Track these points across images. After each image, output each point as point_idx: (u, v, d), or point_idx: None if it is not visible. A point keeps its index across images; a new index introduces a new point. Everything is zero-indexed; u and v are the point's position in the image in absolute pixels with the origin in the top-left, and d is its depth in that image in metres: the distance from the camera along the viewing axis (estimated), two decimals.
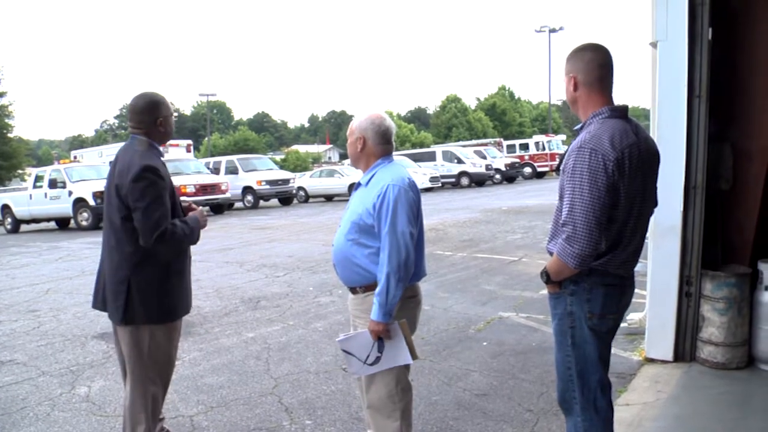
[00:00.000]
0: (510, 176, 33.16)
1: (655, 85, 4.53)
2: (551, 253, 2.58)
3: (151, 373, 3.12)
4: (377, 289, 2.76)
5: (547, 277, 2.54)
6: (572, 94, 2.55)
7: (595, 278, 2.47)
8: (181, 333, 3.33)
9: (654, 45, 4.51)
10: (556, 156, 34.96)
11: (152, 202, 2.92)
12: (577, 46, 2.56)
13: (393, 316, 2.78)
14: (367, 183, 2.91)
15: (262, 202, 25.26)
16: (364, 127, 2.92)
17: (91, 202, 17.59)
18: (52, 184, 19.03)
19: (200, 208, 3.33)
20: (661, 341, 4.59)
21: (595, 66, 2.48)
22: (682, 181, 4.38)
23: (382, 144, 2.94)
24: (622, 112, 2.47)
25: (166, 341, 3.14)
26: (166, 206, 2.97)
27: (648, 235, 5.01)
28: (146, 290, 3.02)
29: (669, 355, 4.54)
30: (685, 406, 3.91)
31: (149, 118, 3.10)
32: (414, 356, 2.88)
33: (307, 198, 28.06)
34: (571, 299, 2.52)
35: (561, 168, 2.53)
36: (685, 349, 4.54)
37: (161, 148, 3.22)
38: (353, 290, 2.98)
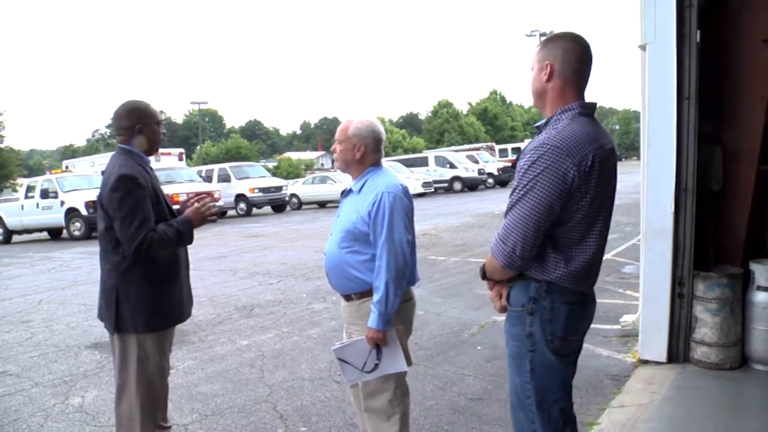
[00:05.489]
0: (502, 180, 33.25)
1: (645, 87, 4.55)
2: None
3: (139, 383, 3.04)
4: (376, 298, 2.74)
5: (483, 273, 2.32)
6: (543, 84, 2.22)
7: (557, 295, 2.18)
8: (173, 342, 3.27)
9: (643, 48, 4.53)
10: None
11: (129, 212, 2.87)
12: (555, 33, 2.30)
13: (391, 323, 2.78)
14: (360, 190, 2.89)
15: (255, 210, 25.21)
16: (365, 135, 2.89)
17: (84, 212, 17.49)
18: (44, 194, 18.92)
19: (196, 205, 3.18)
20: (654, 343, 4.60)
21: (575, 58, 2.19)
22: (673, 182, 4.40)
23: (376, 152, 2.95)
24: (591, 110, 2.21)
25: (156, 351, 3.07)
26: (145, 214, 2.90)
27: (640, 236, 5.08)
28: (134, 299, 2.98)
29: (663, 356, 4.55)
30: (679, 407, 3.92)
31: (128, 125, 3.06)
32: (409, 363, 2.88)
33: (300, 205, 28.02)
34: (531, 319, 2.20)
35: (517, 167, 2.22)
36: (678, 350, 4.55)
37: (145, 156, 3.12)
38: (348, 297, 2.96)
